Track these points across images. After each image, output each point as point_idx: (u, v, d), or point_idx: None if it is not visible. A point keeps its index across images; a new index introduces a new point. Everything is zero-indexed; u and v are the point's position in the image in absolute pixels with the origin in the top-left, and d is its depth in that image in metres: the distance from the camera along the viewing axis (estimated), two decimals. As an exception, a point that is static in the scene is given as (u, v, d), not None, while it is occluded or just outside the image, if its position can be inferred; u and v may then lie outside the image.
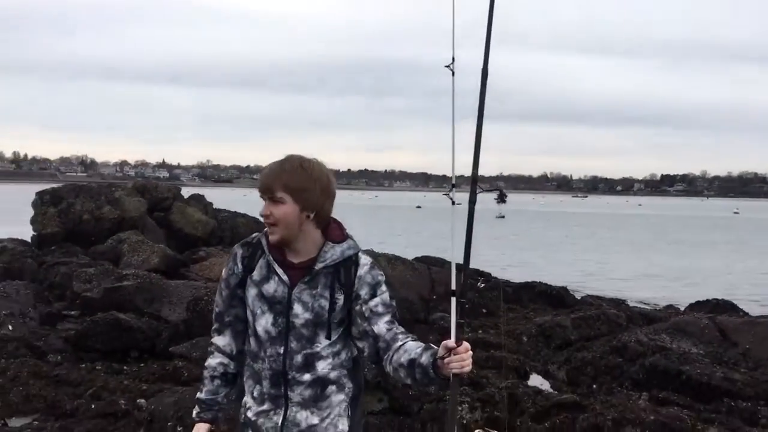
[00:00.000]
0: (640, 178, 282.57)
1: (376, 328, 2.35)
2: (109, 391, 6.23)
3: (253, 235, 2.49)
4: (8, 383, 6.34)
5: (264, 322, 2.37)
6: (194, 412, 2.49)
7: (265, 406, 2.40)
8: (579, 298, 12.78)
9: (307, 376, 2.37)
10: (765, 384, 6.88)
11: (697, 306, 11.92)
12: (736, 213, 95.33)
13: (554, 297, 12.10)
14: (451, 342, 2.20)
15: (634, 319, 10.09)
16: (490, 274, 14.86)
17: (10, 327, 7.95)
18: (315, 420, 2.38)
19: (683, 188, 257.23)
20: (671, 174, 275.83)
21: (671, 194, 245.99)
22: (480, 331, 9.26)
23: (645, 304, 14.51)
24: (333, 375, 2.40)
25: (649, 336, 8.10)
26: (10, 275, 10.89)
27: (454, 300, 2.31)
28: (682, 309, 12.39)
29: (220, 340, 2.48)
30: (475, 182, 2.41)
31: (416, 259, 13.05)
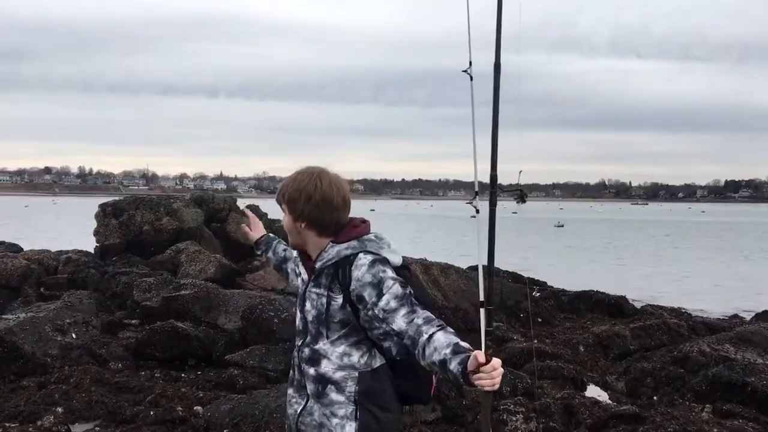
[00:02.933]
0: (703, 184, 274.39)
1: (395, 326, 2.29)
2: (167, 398, 6.35)
3: None
4: (72, 390, 6.53)
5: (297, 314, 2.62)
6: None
7: (291, 391, 2.60)
8: (639, 307, 12.44)
9: (312, 371, 2.49)
10: (838, 397, 6.55)
11: (763, 315, 11.47)
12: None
13: (612, 306, 11.81)
14: (481, 357, 2.09)
15: (697, 329, 9.77)
16: (545, 283, 14.61)
17: (74, 335, 8.20)
18: (325, 415, 2.46)
19: (749, 194, 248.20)
20: (736, 179, 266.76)
21: (736, 200, 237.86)
22: (536, 341, 9.10)
23: (709, 313, 14.03)
24: (337, 375, 2.44)
25: (712, 346, 7.82)
26: (75, 285, 11.26)
27: (483, 311, 2.26)
28: (748, 319, 11.95)
29: None
30: (494, 185, 2.39)
31: (470, 267, 12.94)
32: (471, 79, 2.42)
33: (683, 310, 13.01)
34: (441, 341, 2.19)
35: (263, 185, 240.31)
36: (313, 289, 2.48)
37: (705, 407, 6.54)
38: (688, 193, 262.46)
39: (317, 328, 2.47)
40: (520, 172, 2.35)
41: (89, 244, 14.74)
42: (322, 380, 2.46)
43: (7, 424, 5.76)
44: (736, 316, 13.04)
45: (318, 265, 2.45)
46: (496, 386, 2.09)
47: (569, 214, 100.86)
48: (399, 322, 2.29)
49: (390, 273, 2.37)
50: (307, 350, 2.50)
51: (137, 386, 6.73)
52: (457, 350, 2.16)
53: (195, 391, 6.66)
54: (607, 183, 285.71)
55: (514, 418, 5.78)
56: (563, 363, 7.83)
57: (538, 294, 12.76)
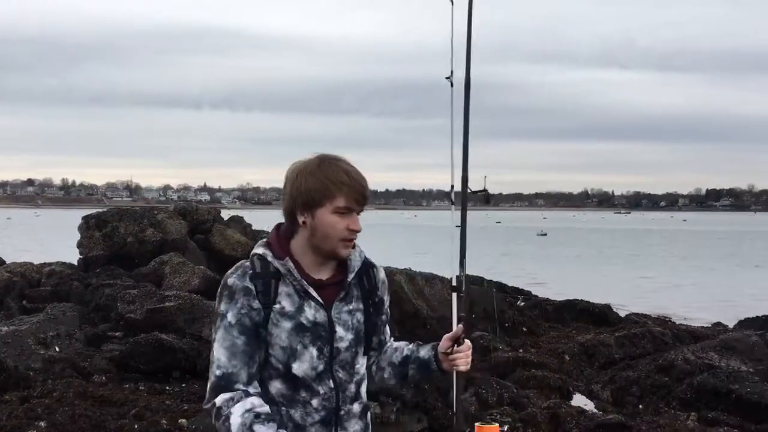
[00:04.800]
0: (685, 193, 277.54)
1: (384, 337, 2.27)
2: (151, 411, 6.30)
3: (244, 264, 2.08)
4: (55, 403, 6.45)
5: (308, 358, 2.02)
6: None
7: None
8: (623, 315, 12.51)
9: (356, 407, 2.12)
10: (820, 403, 6.63)
11: (746, 323, 11.57)
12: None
13: (597, 315, 11.86)
14: (457, 333, 2.17)
15: (681, 337, 9.83)
16: (530, 293, 14.68)
17: (57, 348, 8.12)
18: None
19: (730, 203, 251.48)
20: (717, 188, 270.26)
21: (717, 209, 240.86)
22: (521, 351, 9.13)
23: (692, 321, 14.14)
24: (365, 396, 2.18)
25: (696, 354, 7.88)
26: (58, 297, 11.15)
27: (454, 295, 2.31)
28: (731, 326, 12.05)
29: (242, 404, 1.95)
30: (465, 183, 2.44)
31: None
32: (452, 86, 2.43)
33: (667, 318, 13.11)
34: (401, 344, 2.29)
35: (247, 196, 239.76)
36: (344, 308, 2.08)
37: (690, 415, 6.58)
38: (670, 201, 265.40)
39: (355, 351, 2.11)
40: (485, 177, 2.39)
41: (72, 257, 14.61)
42: (365, 408, 2.16)
43: (-11, 440, 5.69)
44: (719, 323, 13.14)
45: (350, 277, 2.09)
46: (468, 366, 2.18)
47: (552, 224, 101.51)
48: (387, 332, 2.28)
49: None
50: (351, 386, 2.10)
51: (121, 399, 6.66)
52: (419, 344, 2.27)
53: (180, 403, 6.61)
54: (589, 192, 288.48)
55: (503, 429, 5.79)
56: (549, 372, 7.86)
57: (522, 303, 12.79)
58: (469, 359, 2.19)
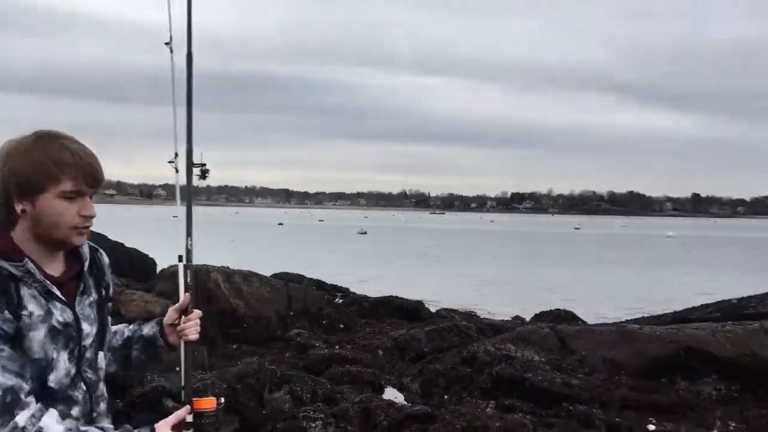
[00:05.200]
0: (493, 195, 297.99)
1: (109, 322, 2.09)
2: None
3: None
4: None
5: (63, 364, 1.84)
6: None
7: None
8: (434, 311, 13.13)
9: (103, 406, 1.99)
10: (599, 388, 7.37)
11: (540, 316, 12.59)
12: (576, 228, 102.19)
13: (410, 311, 12.34)
14: (184, 303, 2.11)
15: (484, 330, 10.49)
16: (348, 290, 14.96)
17: None
18: None
19: (531, 206, 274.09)
20: (520, 192, 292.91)
21: (520, 211, 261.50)
22: (337, 347, 9.28)
23: (495, 315, 15.15)
24: (106, 392, 2.03)
25: (496, 346, 8.44)
26: None
27: (181, 265, 2.19)
28: (528, 319, 13.04)
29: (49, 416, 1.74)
30: (190, 155, 2.31)
31: (274, 275, 12.91)
32: (171, 52, 2.32)
33: (473, 313, 13.94)
34: (120, 326, 2.19)
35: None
36: (86, 302, 1.94)
37: (489, 403, 7.05)
38: (479, 203, 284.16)
39: (98, 346, 1.98)
40: (201, 153, 2.33)
41: None
42: (109, 406, 2.03)
43: None
44: (518, 317, 14.17)
45: (86, 266, 1.95)
46: (198, 336, 2.09)
47: (373, 223, 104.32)
48: (109, 317, 2.09)
49: None
50: (100, 385, 1.98)
51: None
52: (141, 323, 2.18)
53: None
54: (408, 193, 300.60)
55: (314, 425, 5.85)
56: (363, 367, 8.06)
57: (341, 300, 13.01)
58: (199, 328, 2.08)
